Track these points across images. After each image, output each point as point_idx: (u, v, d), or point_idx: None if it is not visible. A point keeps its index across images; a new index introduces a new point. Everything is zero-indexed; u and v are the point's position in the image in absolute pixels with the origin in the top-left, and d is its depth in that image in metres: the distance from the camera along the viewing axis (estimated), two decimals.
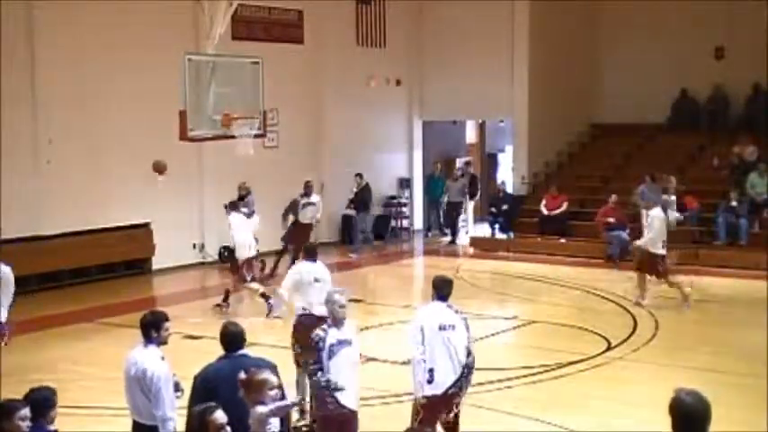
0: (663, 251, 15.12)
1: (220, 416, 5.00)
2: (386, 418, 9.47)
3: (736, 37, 22.43)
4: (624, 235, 19.97)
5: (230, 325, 6.63)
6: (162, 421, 6.66)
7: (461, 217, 24.22)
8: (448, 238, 23.25)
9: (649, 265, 15.24)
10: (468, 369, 7.97)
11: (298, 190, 21.05)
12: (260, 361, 6.52)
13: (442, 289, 8.06)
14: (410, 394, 9.17)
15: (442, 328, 7.85)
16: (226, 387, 6.17)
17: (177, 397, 6.86)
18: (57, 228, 17.42)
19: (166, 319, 7.02)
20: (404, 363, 11.90)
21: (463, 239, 23.19)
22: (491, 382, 11.06)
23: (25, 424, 5.58)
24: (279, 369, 6.66)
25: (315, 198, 18.66)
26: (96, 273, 17.93)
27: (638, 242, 15.44)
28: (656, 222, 15.06)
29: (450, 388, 7.91)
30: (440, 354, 7.84)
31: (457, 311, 8.04)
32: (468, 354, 7.95)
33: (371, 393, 10.20)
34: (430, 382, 7.86)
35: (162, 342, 6.93)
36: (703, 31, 22.78)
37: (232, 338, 6.50)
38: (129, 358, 6.96)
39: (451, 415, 8.12)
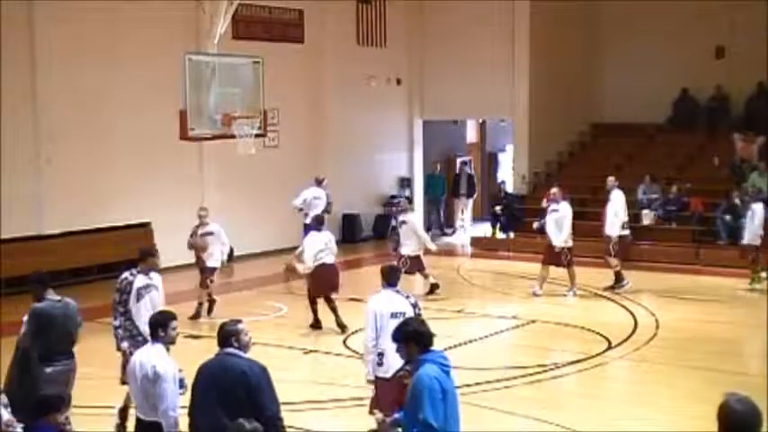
0: (419, 253, 16.04)
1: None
2: None
3: (736, 36, 22.41)
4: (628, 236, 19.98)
5: (227, 323, 6.66)
6: (165, 417, 6.69)
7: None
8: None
9: (411, 265, 15.90)
10: None
11: (298, 189, 21.06)
12: (243, 361, 6.49)
13: (389, 277, 8.55)
14: None
15: (393, 315, 8.22)
16: (204, 383, 6.37)
17: (181, 393, 6.88)
18: (57, 228, 17.42)
19: (174, 319, 7.06)
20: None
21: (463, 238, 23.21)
22: (490, 382, 11.05)
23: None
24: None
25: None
26: (96, 273, 17.91)
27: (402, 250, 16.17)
28: (405, 228, 16.05)
29: (398, 371, 8.17)
30: (389, 339, 7.93)
31: (407, 297, 8.52)
32: None
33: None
34: (380, 365, 8.30)
35: (169, 341, 6.96)
36: (704, 31, 22.77)
37: (218, 336, 6.57)
38: (135, 357, 7.04)
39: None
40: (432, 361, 6.01)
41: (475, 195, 25.39)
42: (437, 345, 13.03)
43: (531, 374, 11.49)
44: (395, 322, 7.96)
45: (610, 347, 12.76)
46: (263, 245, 19.61)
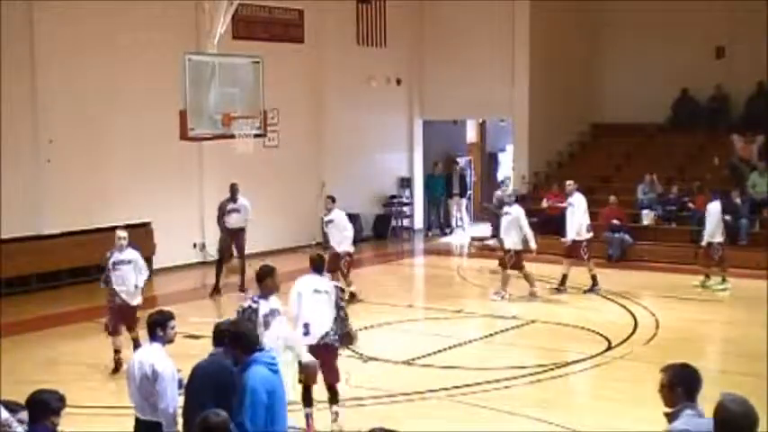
0: (349, 249, 15.97)
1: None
2: (389, 417, 9.44)
3: (736, 36, 22.42)
4: (626, 236, 19.99)
5: (221, 323, 6.69)
6: (165, 415, 6.71)
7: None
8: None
9: (332, 262, 15.07)
10: (340, 323, 9.29)
11: (298, 189, 21.14)
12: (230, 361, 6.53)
13: (316, 263, 9.51)
14: (413, 393, 9.21)
15: (317, 291, 9.22)
16: (195, 382, 6.41)
17: (180, 394, 6.90)
18: (57, 228, 17.42)
19: (172, 318, 7.10)
20: (405, 362, 11.94)
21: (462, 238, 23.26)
22: (490, 382, 11.06)
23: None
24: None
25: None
26: (96, 273, 17.84)
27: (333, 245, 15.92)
28: (331, 226, 15.95)
29: (322, 338, 9.13)
30: (312, 312, 9.16)
31: (332, 281, 9.65)
32: (337, 314, 9.27)
33: (373, 393, 10.18)
34: (306, 334, 9.08)
35: (168, 341, 7.01)
36: (703, 31, 22.78)
37: (213, 335, 6.60)
38: (134, 357, 7.09)
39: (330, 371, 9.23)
40: (259, 362, 6.05)
41: (468, 195, 25.43)
42: (437, 344, 13.12)
43: (531, 374, 11.49)
44: (319, 296, 9.16)
45: (610, 347, 12.76)
46: (262, 245, 19.59)
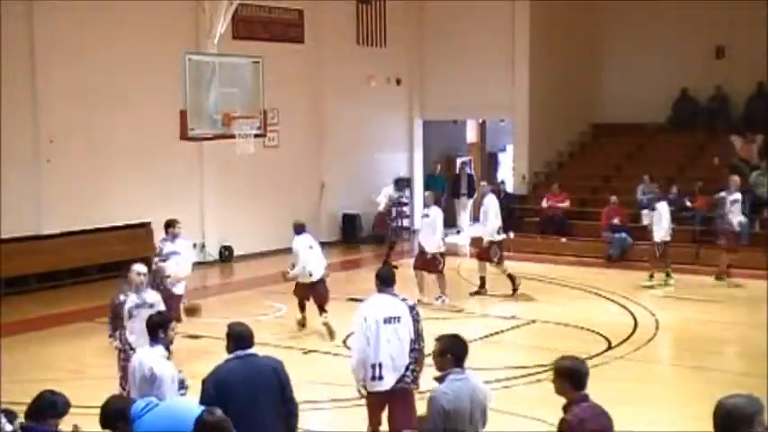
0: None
1: None
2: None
3: (736, 36, 22.41)
4: (627, 236, 19.98)
5: (237, 325, 6.61)
6: None
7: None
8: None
9: (170, 305, 13.64)
10: (414, 361, 7.81)
11: (298, 189, 21.13)
12: (269, 360, 6.56)
13: (383, 279, 7.99)
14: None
15: (387, 321, 7.70)
16: (239, 387, 6.23)
17: (182, 394, 6.90)
18: (57, 227, 17.43)
19: (172, 320, 7.14)
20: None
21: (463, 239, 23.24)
22: (490, 382, 11.04)
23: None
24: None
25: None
26: (96, 273, 17.91)
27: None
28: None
29: (398, 383, 7.76)
30: (384, 349, 7.66)
31: (404, 300, 7.89)
32: (414, 345, 7.77)
33: None
34: (375, 378, 7.74)
35: (169, 342, 7.06)
36: (703, 31, 22.77)
37: (239, 338, 6.49)
38: (135, 359, 7.12)
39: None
40: (137, 416, 5.78)
41: (475, 195, 25.41)
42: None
43: (531, 374, 11.48)
44: (390, 328, 7.64)
45: (610, 347, 12.76)
46: (262, 245, 19.60)
